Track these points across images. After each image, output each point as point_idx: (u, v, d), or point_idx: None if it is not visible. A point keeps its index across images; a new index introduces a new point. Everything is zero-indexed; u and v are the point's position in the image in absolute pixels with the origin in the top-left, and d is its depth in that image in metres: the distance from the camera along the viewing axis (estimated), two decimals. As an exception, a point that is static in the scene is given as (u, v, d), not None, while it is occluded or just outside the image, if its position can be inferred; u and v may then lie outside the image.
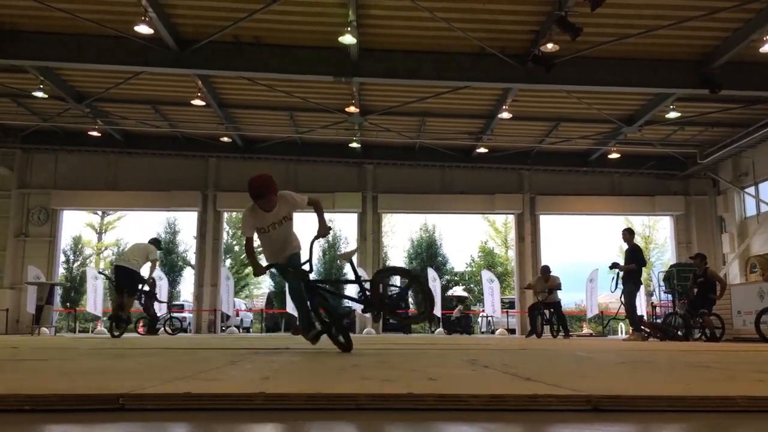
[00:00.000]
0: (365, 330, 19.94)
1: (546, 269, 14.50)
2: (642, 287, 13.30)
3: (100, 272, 21.25)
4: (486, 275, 21.86)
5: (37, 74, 14.42)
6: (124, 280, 11.27)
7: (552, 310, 14.26)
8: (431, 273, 21.58)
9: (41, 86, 14.89)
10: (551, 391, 2.11)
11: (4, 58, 13.27)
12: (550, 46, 12.07)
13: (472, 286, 30.53)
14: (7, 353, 5.13)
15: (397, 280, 6.97)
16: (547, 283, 14.22)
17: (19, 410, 1.84)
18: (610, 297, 28.44)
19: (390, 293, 5.74)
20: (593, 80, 13.88)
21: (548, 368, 3.52)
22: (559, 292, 14.28)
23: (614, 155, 19.63)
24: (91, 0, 11.74)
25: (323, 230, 5.27)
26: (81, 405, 1.88)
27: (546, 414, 1.88)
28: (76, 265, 27.81)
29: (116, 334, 11.25)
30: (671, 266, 19.08)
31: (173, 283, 25.53)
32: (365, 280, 5.51)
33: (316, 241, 5.35)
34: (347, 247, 27.93)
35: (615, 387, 2.44)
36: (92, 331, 21.66)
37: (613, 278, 12.03)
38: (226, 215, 21.69)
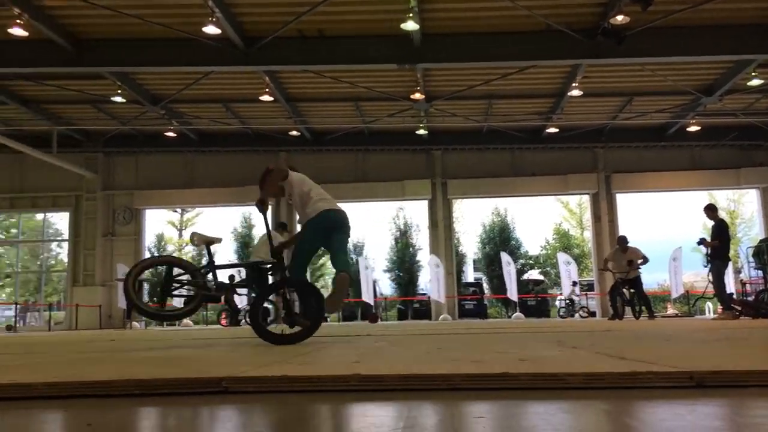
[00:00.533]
0: (441, 316, 19.94)
1: (623, 239, 13.08)
2: (730, 264, 12.55)
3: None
4: (562, 257, 21.44)
5: (115, 80, 15.05)
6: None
7: (631, 289, 12.88)
8: (505, 257, 21.34)
9: (119, 91, 15.54)
10: (650, 368, 2.05)
11: (84, 66, 13.91)
12: (620, 18, 11.65)
13: (548, 269, 30.00)
14: (106, 345, 5.40)
15: None
16: (625, 254, 12.80)
17: (129, 395, 1.94)
18: (695, 276, 27.37)
19: None
20: (668, 51, 13.32)
21: (639, 347, 3.43)
22: (641, 267, 12.85)
23: (694, 128, 18.82)
24: (161, 5, 12.15)
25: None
26: (186, 388, 1.96)
27: (646, 391, 1.84)
28: (161, 261, 28.91)
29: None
30: (761, 241, 18.13)
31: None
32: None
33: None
34: (417, 235, 27.73)
35: (715, 363, 2.35)
36: (179, 324, 22.53)
37: (705, 254, 11.50)
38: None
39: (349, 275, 5.09)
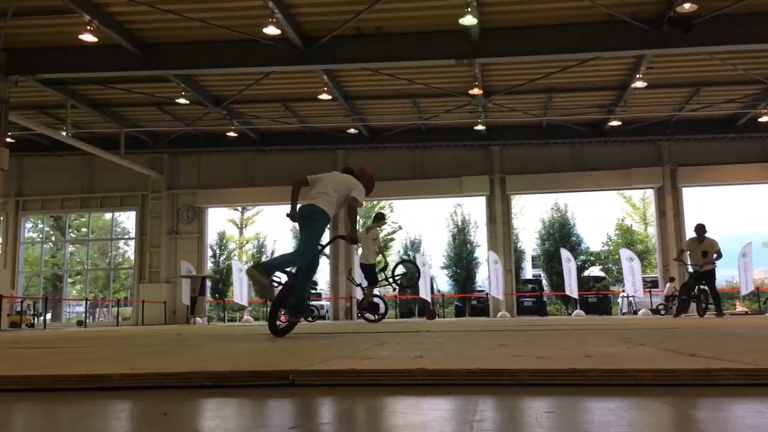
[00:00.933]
0: (500, 313, 19.74)
1: (701, 228, 12.02)
2: None
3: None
4: (625, 253, 20.90)
5: (179, 82, 15.48)
6: (366, 273, 11.69)
7: (703, 283, 11.93)
8: (564, 253, 20.95)
9: (183, 93, 15.98)
10: (725, 365, 1.98)
11: (150, 70, 14.37)
12: (687, 6, 11.28)
13: (609, 265, 29.30)
14: (174, 339, 5.57)
15: None
16: (701, 244, 11.91)
17: (202, 386, 1.99)
18: (766, 272, 26.24)
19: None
20: (738, 39, 12.80)
21: (710, 345, 3.31)
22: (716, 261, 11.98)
23: (765, 118, 18.02)
24: (223, 8, 12.43)
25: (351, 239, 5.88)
26: (255, 381, 2.01)
27: (721, 389, 1.77)
28: (222, 258, 29.64)
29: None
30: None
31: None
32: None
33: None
34: (475, 231, 27.50)
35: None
36: (240, 320, 23.04)
37: None
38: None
39: (255, 270, 5.46)
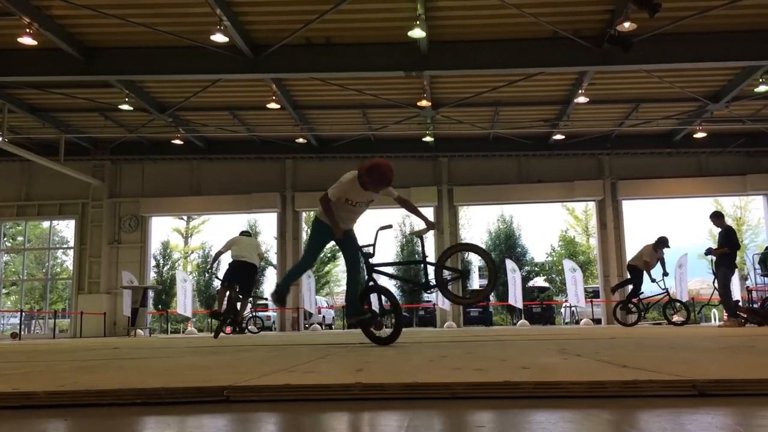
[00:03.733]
0: (446, 323, 19.89)
1: (662, 241, 13.12)
2: (736, 271, 12.50)
3: (208, 271, 21.84)
4: (568, 264, 21.38)
5: (123, 88, 15.12)
6: (246, 277, 10.33)
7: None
8: (510, 264, 21.30)
9: (126, 99, 15.61)
10: (652, 377, 2.05)
11: (92, 74, 13.99)
12: (627, 24, 11.63)
13: (553, 276, 29.92)
14: (110, 353, 5.41)
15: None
16: (656, 253, 13.04)
17: (133, 404, 1.94)
18: (700, 283, 27.20)
19: (448, 276, 5.86)
20: (675, 57, 13.29)
21: (643, 355, 3.41)
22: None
23: (700, 134, 18.75)
24: (169, 14, 12.21)
25: (429, 225, 5.70)
26: (188, 397, 1.96)
27: (648, 400, 1.83)
28: (165, 268, 29.00)
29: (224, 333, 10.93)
30: (767, 248, 18.09)
31: (256, 282, 26.24)
32: (429, 262, 5.65)
33: (381, 231, 5.69)
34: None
35: (718, 372, 2.34)
36: (183, 332, 22.57)
37: (711, 262, 11.50)
38: (304, 215, 22.09)
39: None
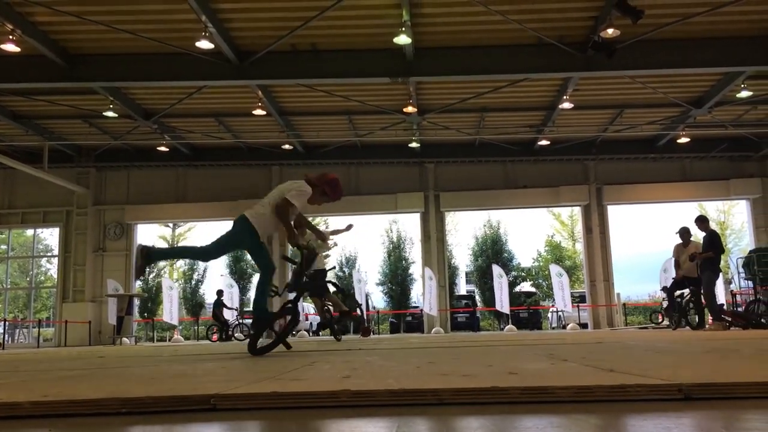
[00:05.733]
0: (434, 329, 19.89)
1: (685, 231, 11.73)
2: (720, 275, 12.42)
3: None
4: (554, 269, 21.47)
5: (107, 95, 15.03)
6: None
7: (692, 288, 11.46)
8: (496, 269, 21.36)
9: (111, 106, 15.51)
10: (639, 381, 2.06)
11: (76, 81, 13.90)
12: (610, 31, 11.73)
13: (540, 281, 30.04)
14: (96, 362, 5.36)
15: None
16: (686, 249, 11.60)
17: (118, 413, 1.92)
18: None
19: None
20: (658, 63, 13.43)
21: (630, 360, 3.43)
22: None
23: (684, 140, 18.95)
24: (154, 20, 12.16)
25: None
26: (175, 406, 1.95)
27: (635, 404, 1.84)
28: (151, 276, 28.79)
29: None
30: (750, 252, 18.27)
31: (243, 290, 26.10)
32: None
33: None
34: (410, 248, 27.73)
35: (705, 375, 2.36)
36: (169, 340, 22.39)
37: (697, 266, 11.46)
38: (291, 221, 22.06)
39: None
